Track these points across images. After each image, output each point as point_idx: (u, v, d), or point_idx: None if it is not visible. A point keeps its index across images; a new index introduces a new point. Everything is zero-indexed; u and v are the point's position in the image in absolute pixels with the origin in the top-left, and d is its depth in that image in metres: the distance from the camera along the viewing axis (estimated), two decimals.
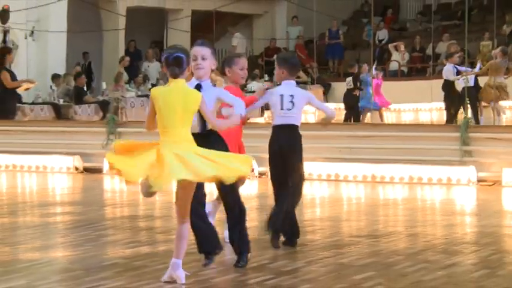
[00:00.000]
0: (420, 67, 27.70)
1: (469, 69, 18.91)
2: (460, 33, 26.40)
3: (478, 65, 19.66)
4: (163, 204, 11.28)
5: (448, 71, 18.64)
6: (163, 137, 6.34)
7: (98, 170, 14.79)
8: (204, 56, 6.96)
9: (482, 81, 19.06)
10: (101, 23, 24.34)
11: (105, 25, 24.29)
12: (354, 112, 19.81)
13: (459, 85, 18.27)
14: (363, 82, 19.97)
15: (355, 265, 7.24)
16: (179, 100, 6.35)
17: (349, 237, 8.60)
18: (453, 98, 18.40)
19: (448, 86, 18.57)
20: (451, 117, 18.46)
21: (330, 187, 12.95)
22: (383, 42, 28.32)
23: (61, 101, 20.21)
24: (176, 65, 6.43)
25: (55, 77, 20.66)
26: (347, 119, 19.66)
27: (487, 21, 27.77)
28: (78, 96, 19.47)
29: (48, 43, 21.18)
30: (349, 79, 20.24)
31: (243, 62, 7.81)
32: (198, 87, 6.91)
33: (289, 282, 6.62)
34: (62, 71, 21.49)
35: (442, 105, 20.04)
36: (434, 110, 23.74)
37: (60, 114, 19.33)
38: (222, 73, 7.96)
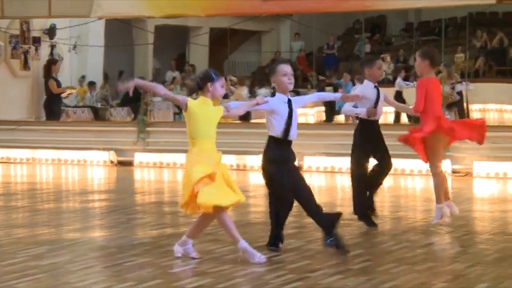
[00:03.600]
0: (404, 76, 27.58)
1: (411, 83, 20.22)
2: (437, 47, 26.29)
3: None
4: None
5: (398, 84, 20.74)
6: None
7: (129, 163, 14.78)
8: (292, 73, 6.85)
9: None
10: (132, 39, 24.32)
11: (136, 40, 24.27)
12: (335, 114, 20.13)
13: None
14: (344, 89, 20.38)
15: (348, 244, 7.19)
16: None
17: (342, 220, 8.55)
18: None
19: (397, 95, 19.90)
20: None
21: (327, 178, 12.91)
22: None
23: (99, 105, 20.25)
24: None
25: (90, 84, 20.70)
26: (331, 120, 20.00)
27: (460, 36, 27.66)
28: (136, 98, 19.04)
29: (88, 56, 21.19)
30: (330, 89, 20.66)
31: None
32: (290, 102, 6.79)
33: (292, 258, 6.59)
34: (99, 79, 21.51)
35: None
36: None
37: (98, 115, 19.32)
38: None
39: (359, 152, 8.14)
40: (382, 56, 26.38)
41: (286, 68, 6.83)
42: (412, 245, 7.24)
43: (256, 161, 13.60)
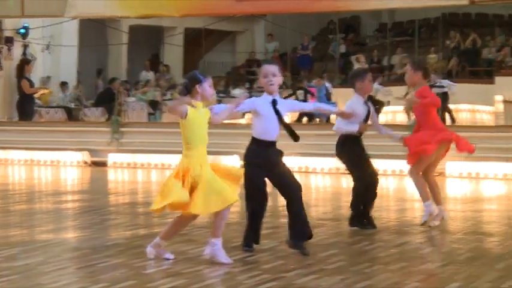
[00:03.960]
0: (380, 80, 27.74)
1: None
2: (411, 48, 26.50)
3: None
4: None
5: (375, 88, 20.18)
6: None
7: (103, 164, 14.73)
8: (274, 74, 6.75)
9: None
10: (106, 39, 24.23)
11: (110, 40, 24.19)
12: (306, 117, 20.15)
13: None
14: (310, 93, 20.51)
15: (322, 244, 7.23)
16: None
17: (317, 220, 8.58)
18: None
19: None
20: None
21: (301, 178, 12.93)
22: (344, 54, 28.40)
23: (72, 105, 20.14)
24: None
25: (63, 84, 20.59)
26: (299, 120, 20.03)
27: (433, 37, 27.85)
28: (111, 98, 18.97)
29: (61, 56, 21.08)
30: (301, 91, 20.62)
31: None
32: (275, 102, 6.73)
33: (266, 259, 6.59)
34: (72, 80, 21.40)
35: (394, 108, 20.82)
36: (389, 113, 23.74)
37: (71, 116, 19.22)
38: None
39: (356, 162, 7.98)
40: (356, 56, 26.54)
41: (267, 69, 6.76)
42: (386, 244, 7.27)
43: (230, 161, 13.61)
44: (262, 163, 6.69)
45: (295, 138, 6.86)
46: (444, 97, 18.83)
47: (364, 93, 7.97)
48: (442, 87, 19.55)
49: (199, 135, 6.30)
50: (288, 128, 6.83)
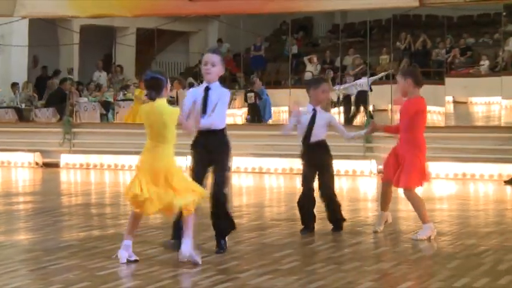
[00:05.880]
0: (332, 76, 27.87)
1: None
2: (363, 49, 26.61)
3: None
4: (112, 193, 11.17)
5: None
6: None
7: (55, 165, 14.59)
8: (214, 63, 6.77)
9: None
10: (57, 39, 23.99)
11: (62, 40, 23.95)
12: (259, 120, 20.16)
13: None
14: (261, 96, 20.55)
15: (276, 244, 7.26)
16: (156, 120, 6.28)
17: (271, 220, 8.61)
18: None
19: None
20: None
21: (255, 178, 12.96)
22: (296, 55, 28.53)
23: (23, 106, 19.89)
24: (154, 89, 6.29)
25: (13, 85, 20.33)
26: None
27: (385, 38, 28.05)
28: (62, 99, 18.72)
29: (12, 56, 20.82)
30: (251, 94, 20.58)
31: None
32: (207, 89, 6.73)
33: (220, 259, 6.59)
34: (23, 80, 21.14)
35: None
36: (342, 113, 23.90)
37: (22, 116, 18.98)
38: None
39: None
40: (309, 57, 26.67)
41: (208, 58, 6.80)
42: (339, 244, 7.33)
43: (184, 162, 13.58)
44: (197, 149, 6.75)
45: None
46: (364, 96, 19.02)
47: (316, 102, 7.94)
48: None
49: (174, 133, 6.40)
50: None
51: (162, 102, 6.31)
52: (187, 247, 6.30)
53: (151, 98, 6.32)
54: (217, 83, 6.83)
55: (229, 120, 12.28)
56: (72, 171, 14.27)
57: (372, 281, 5.86)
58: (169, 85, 6.46)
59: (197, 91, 6.84)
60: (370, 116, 16.92)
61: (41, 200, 10.50)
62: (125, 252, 6.41)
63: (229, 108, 7.45)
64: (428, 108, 25.91)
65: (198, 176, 6.67)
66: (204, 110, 6.71)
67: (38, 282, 5.83)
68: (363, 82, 20.07)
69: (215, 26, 29.51)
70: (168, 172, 6.30)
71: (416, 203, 7.70)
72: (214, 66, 6.77)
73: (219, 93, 6.77)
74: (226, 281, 5.82)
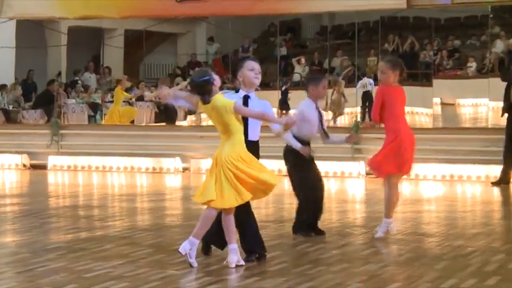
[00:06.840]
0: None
1: None
2: (351, 50, 26.69)
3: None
4: (99, 195, 11.14)
5: None
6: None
7: (43, 167, 14.54)
8: (260, 70, 6.86)
9: None
10: (45, 40, 23.91)
11: (49, 42, 23.87)
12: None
13: None
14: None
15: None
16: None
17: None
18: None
19: None
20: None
21: None
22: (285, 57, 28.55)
23: (10, 107, 19.81)
24: (206, 93, 6.30)
25: (2, 87, 20.25)
26: None
27: (372, 40, 28.12)
28: (50, 100, 18.60)
29: None
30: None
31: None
32: (247, 97, 6.74)
33: (208, 261, 6.58)
34: (10, 81, 21.06)
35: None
36: (330, 114, 23.97)
37: (9, 118, 18.91)
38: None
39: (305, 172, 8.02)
40: (297, 58, 26.71)
41: (254, 65, 6.92)
42: (328, 246, 7.33)
43: (172, 163, 13.54)
44: None
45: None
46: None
47: (317, 98, 8.02)
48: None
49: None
50: None
51: (217, 97, 6.33)
52: (234, 255, 6.32)
53: (206, 102, 6.30)
54: (254, 92, 6.83)
55: None
56: (60, 173, 14.22)
57: (360, 282, 5.86)
58: (216, 77, 6.44)
59: (232, 97, 6.65)
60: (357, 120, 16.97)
61: (29, 202, 10.46)
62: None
63: None
64: (416, 109, 26.13)
65: None
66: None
67: (25, 285, 5.80)
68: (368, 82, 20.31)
69: (203, 27, 29.48)
70: (246, 155, 6.58)
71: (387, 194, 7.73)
72: (260, 73, 6.85)
73: (262, 105, 6.77)
74: (214, 283, 5.81)
